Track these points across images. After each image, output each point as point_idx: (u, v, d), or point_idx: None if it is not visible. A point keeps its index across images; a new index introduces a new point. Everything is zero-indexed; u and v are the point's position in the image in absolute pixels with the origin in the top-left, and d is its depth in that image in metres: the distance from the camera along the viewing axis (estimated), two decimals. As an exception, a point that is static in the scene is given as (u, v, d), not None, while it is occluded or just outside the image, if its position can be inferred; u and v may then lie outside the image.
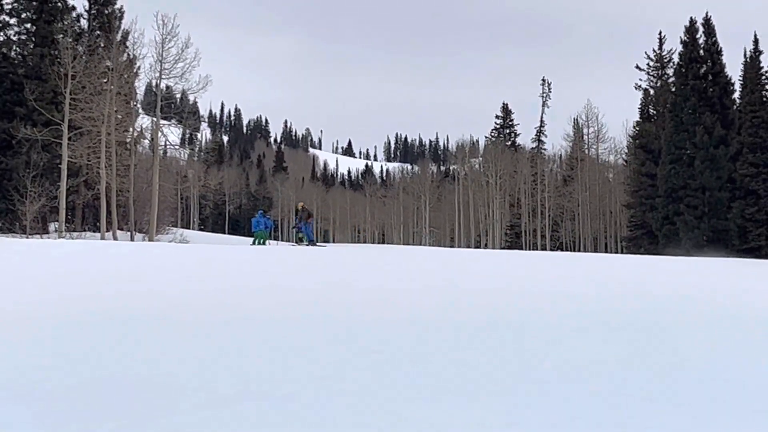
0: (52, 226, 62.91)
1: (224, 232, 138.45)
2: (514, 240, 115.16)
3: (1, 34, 70.60)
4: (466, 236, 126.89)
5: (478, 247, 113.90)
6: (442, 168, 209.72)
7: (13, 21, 70.47)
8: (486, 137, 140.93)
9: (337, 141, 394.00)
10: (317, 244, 38.05)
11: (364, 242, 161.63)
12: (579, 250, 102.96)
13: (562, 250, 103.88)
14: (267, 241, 50.53)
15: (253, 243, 47.80)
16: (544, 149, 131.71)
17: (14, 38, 70.86)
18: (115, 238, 56.48)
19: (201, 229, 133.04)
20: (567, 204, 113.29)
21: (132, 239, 58.83)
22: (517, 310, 12.57)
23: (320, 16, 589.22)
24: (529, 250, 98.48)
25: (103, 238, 55.82)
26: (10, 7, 70.31)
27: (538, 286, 17.84)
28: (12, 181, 60.51)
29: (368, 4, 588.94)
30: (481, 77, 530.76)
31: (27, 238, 50.87)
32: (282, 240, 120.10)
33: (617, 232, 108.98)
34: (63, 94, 57.82)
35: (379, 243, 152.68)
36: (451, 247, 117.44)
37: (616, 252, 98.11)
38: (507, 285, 17.80)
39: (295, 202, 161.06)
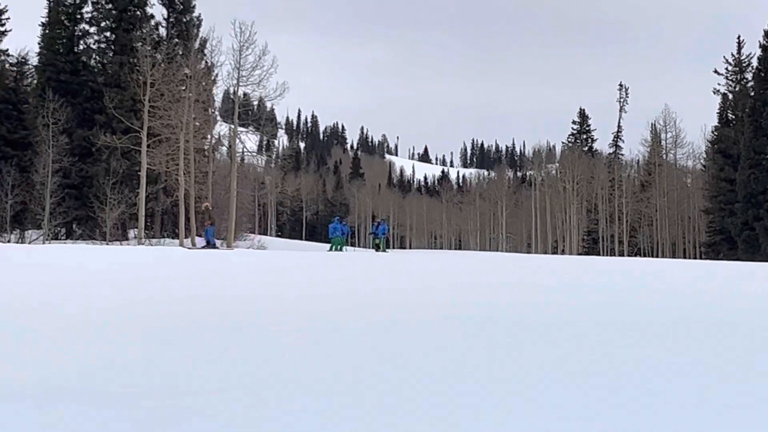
0: (131, 233, 63.64)
1: (301, 239, 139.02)
2: (591, 246, 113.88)
3: (81, 43, 71.83)
4: (543, 242, 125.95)
5: (555, 252, 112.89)
6: (519, 174, 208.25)
7: (92, 30, 71.78)
8: (563, 143, 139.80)
9: (413, 147, 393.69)
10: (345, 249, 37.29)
11: (441, 248, 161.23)
12: (657, 256, 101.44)
13: (639, 255, 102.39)
14: (344, 248, 50.49)
15: (330, 249, 47.83)
16: (622, 154, 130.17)
17: (94, 47, 72.16)
18: (193, 245, 56.89)
19: (278, 236, 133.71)
20: (645, 209, 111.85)
21: (209, 245, 59.16)
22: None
23: (397, 22, 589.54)
24: (607, 255, 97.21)
25: (181, 244, 56.18)
26: (89, 16, 71.51)
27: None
28: (92, 189, 61.42)
29: (448, 10, 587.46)
30: (558, 82, 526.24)
31: (107, 244, 51.55)
32: (358, 246, 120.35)
33: (696, 238, 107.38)
34: (142, 102, 58.51)
35: (455, 249, 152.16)
36: (528, 252, 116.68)
37: (695, 258, 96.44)
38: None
39: (372, 208, 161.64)
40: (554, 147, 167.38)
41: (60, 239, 63.53)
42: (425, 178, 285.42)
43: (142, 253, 27.73)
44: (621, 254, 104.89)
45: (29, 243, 56.46)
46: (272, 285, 17.37)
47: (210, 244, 35.76)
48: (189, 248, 33.93)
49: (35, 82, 71.45)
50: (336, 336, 9.59)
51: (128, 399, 6.21)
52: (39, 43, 73.12)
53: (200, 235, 37.01)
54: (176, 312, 11.73)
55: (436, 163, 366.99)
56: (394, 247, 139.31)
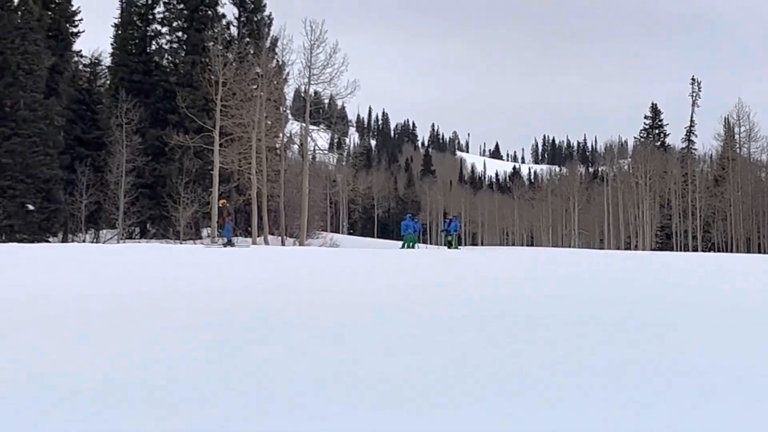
0: (204, 232, 63.82)
1: (373, 236, 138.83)
2: (664, 241, 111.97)
3: (154, 43, 72.33)
4: (615, 238, 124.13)
5: (627, 248, 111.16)
6: (591, 169, 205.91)
7: (164, 30, 72.31)
8: (635, 138, 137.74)
9: (484, 144, 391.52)
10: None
11: (512, 245, 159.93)
12: (731, 251, 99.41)
13: (714, 251, 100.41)
14: (416, 245, 49.95)
15: (403, 246, 47.28)
16: (695, 149, 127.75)
17: (166, 47, 72.66)
18: (266, 243, 56.81)
19: (350, 233, 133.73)
20: (718, 204, 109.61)
21: (283, 244, 59.12)
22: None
23: (468, 18, 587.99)
24: (680, 251, 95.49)
25: (254, 243, 56.15)
26: (161, 16, 71.96)
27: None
28: (165, 188, 61.70)
29: (519, 5, 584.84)
30: (629, 77, 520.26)
31: (180, 243, 51.67)
32: (430, 243, 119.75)
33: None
34: (214, 101, 58.50)
35: (527, 245, 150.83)
36: (601, 248, 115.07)
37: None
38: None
39: (443, 205, 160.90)
40: (626, 142, 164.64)
41: (134, 238, 63.98)
42: (496, 174, 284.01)
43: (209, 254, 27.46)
44: (695, 249, 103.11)
45: (104, 242, 56.85)
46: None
47: (229, 242, 35.10)
48: (206, 246, 33.51)
49: (108, 82, 72.08)
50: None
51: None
52: (112, 44, 73.96)
53: (219, 231, 36.61)
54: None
55: (508, 160, 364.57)
56: (465, 244, 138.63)
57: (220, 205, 36.13)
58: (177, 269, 20.82)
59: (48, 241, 52.79)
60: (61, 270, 19.76)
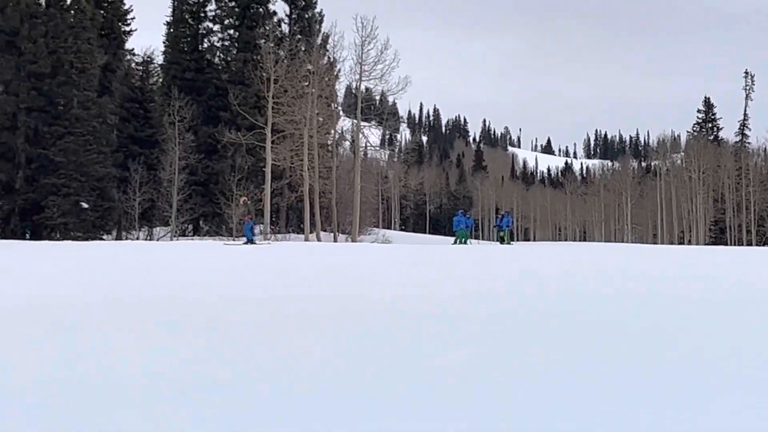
0: (257, 229, 63.76)
1: (425, 232, 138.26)
2: (718, 235, 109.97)
3: (205, 41, 72.37)
4: (668, 232, 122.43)
5: (681, 243, 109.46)
6: (643, 164, 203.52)
7: (216, 28, 72.39)
8: (687, 132, 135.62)
9: (536, 139, 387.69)
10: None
11: (565, 240, 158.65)
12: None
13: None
14: (468, 240, 49.47)
15: (455, 242, 46.82)
16: (748, 143, 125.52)
17: (218, 44, 72.75)
18: (318, 240, 56.61)
19: (402, 230, 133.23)
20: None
21: (335, 240, 58.85)
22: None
23: (519, 14, 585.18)
24: (734, 245, 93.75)
25: (307, 239, 56.02)
26: (213, 14, 71.99)
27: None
28: (218, 185, 61.74)
29: (571, 2, 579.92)
30: (680, 70, 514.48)
31: (233, 240, 51.53)
32: (482, 239, 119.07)
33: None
34: (266, 98, 58.48)
35: (580, 240, 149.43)
36: (654, 243, 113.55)
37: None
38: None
39: (495, 201, 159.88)
40: (679, 136, 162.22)
41: (187, 236, 64.03)
42: (548, 169, 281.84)
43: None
44: (749, 244, 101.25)
45: (157, 240, 56.96)
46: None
47: (249, 241, 34.47)
48: (226, 244, 32.84)
49: (161, 80, 72.29)
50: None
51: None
52: (164, 42, 74.21)
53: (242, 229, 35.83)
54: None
55: (559, 155, 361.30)
56: (517, 240, 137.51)
57: (241, 203, 35.49)
58: (226, 264, 20.59)
59: (102, 239, 52.99)
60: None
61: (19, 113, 50.51)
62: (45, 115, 51.13)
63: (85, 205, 51.79)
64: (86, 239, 47.95)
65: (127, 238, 58.53)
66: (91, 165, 52.17)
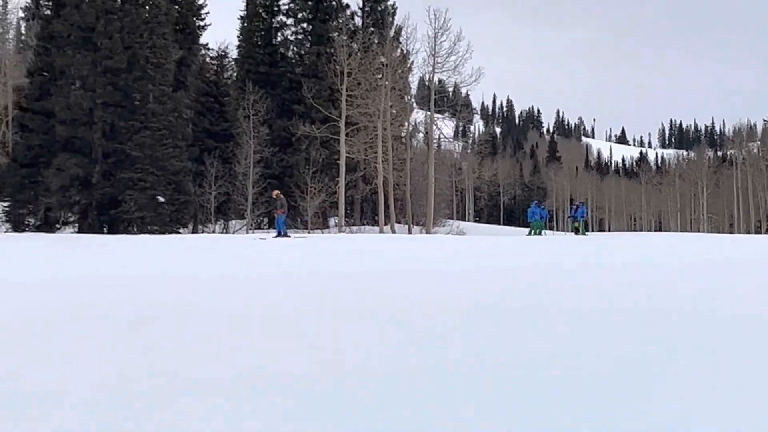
0: (332, 221, 63.63)
1: (499, 223, 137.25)
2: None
3: (279, 34, 72.32)
4: (745, 222, 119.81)
5: (758, 233, 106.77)
6: (719, 153, 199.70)
7: (289, 21, 72.35)
8: (764, 120, 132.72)
9: (610, 129, 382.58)
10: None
11: (640, 230, 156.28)
12: None
13: None
14: (543, 231, 48.76)
15: (530, 233, 46.29)
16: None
17: (291, 38, 72.70)
18: (393, 232, 56.13)
19: (476, 221, 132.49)
20: None
21: (409, 232, 58.42)
22: None
23: (591, 4, 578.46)
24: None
25: (381, 231, 55.66)
26: (286, 8, 71.93)
27: None
28: (293, 178, 61.67)
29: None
30: (757, 57, 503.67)
31: (308, 233, 51.33)
32: (557, 230, 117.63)
33: None
34: (339, 91, 58.33)
35: (655, 230, 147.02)
36: (730, 233, 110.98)
37: None
38: None
39: (569, 192, 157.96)
40: (755, 125, 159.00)
41: (262, 229, 63.92)
42: (623, 159, 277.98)
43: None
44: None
45: (233, 233, 56.86)
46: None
47: (281, 234, 33.19)
48: (261, 238, 31.59)
49: (235, 74, 72.27)
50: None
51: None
52: (238, 36, 74.11)
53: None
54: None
55: (634, 145, 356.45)
56: (592, 230, 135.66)
57: (273, 196, 34.28)
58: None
59: (178, 232, 52.90)
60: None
61: (96, 108, 50.52)
62: (121, 110, 51.08)
63: (161, 199, 51.74)
64: (163, 233, 47.94)
65: (203, 232, 58.66)
66: (167, 159, 52.06)
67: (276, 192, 35.26)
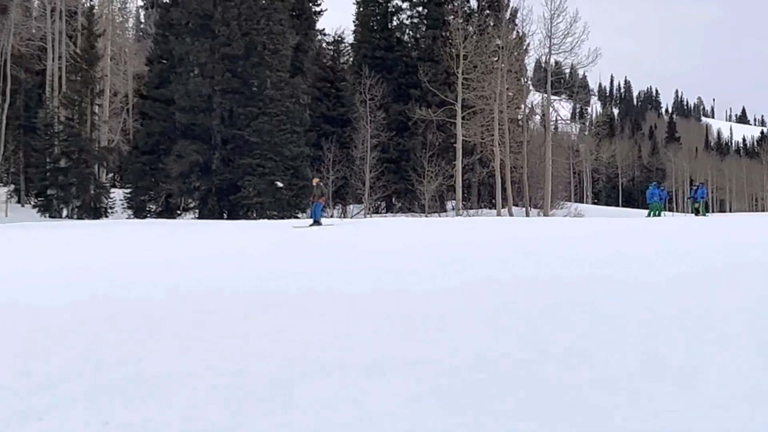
0: (449, 205, 62.72)
1: (617, 205, 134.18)
2: None
3: (395, 19, 71.51)
4: None
5: None
6: None
7: (405, 5, 71.64)
8: None
9: (730, 109, 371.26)
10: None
11: (762, 211, 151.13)
12: None
13: None
14: (662, 213, 47.01)
15: (649, 215, 44.72)
16: None
17: (407, 22, 71.88)
18: (510, 214, 54.91)
19: (594, 203, 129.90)
20: None
21: (527, 215, 57.12)
22: None
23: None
24: None
25: (499, 214, 54.55)
26: (402, -9, 71.00)
27: None
28: (410, 162, 60.93)
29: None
30: None
31: (426, 217, 50.53)
32: (676, 211, 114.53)
33: None
34: (455, 75, 57.71)
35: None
36: None
37: None
38: None
39: (689, 173, 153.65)
40: None
41: (380, 213, 63.30)
42: (743, 139, 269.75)
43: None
44: None
45: (351, 217, 56.25)
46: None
47: (316, 222, 31.08)
48: (296, 228, 29.78)
49: (351, 59, 71.68)
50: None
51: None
52: (354, 22, 73.26)
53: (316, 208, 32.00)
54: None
55: (755, 124, 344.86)
56: (713, 211, 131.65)
57: (314, 183, 32.52)
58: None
59: (297, 217, 52.42)
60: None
61: (215, 95, 50.41)
62: (239, 96, 50.85)
63: (279, 184, 51.36)
64: (281, 218, 47.54)
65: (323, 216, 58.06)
66: (285, 144, 51.64)
67: (316, 180, 33.79)
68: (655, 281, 11.43)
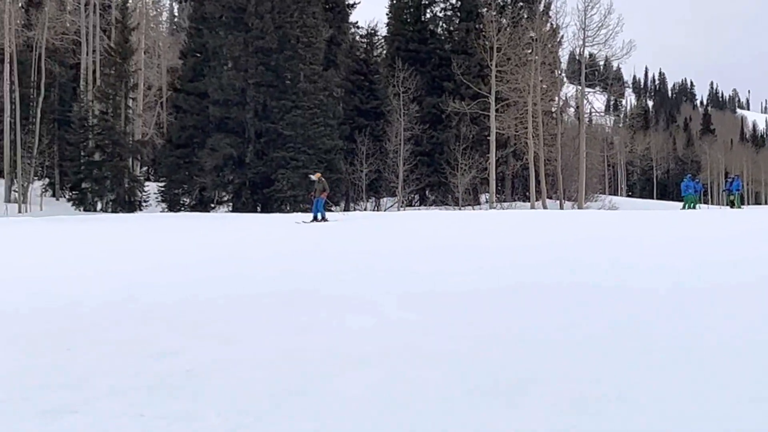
0: (482, 198, 62.43)
1: (652, 198, 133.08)
2: None
3: (428, 11, 71.27)
4: None
5: None
6: None
7: (438, -2, 70.82)
8: None
9: (766, 100, 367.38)
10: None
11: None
12: None
13: None
14: (697, 205, 46.57)
15: (683, 207, 44.45)
16: None
17: (440, 15, 71.73)
18: (544, 207, 54.50)
19: (629, 196, 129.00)
20: None
21: (561, 207, 56.66)
22: None
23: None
24: None
25: (532, 207, 54.19)
26: (435, -16, 70.71)
27: None
28: (443, 155, 60.67)
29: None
30: None
31: (459, 210, 50.28)
32: (711, 204, 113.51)
33: None
34: (489, 67, 57.29)
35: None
36: None
37: None
38: None
39: (724, 165, 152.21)
40: None
41: (413, 206, 63.02)
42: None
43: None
44: None
45: (384, 210, 56.06)
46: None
47: (315, 218, 30.11)
48: (297, 222, 29.20)
49: (384, 52, 71.33)
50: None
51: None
52: (387, 14, 73.00)
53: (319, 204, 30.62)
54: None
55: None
56: (748, 204, 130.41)
57: (315, 178, 31.72)
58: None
59: (330, 210, 52.28)
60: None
61: (248, 88, 50.28)
62: (273, 89, 50.68)
63: (313, 178, 51.16)
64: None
65: (354, 209, 58.01)
66: (319, 138, 51.49)
67: (318, 174, 33.08)
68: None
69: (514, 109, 58.69)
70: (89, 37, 61.46)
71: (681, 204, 48.93)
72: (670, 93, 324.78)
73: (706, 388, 5.85)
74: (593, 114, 75.73)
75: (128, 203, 53.51)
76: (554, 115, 65.76)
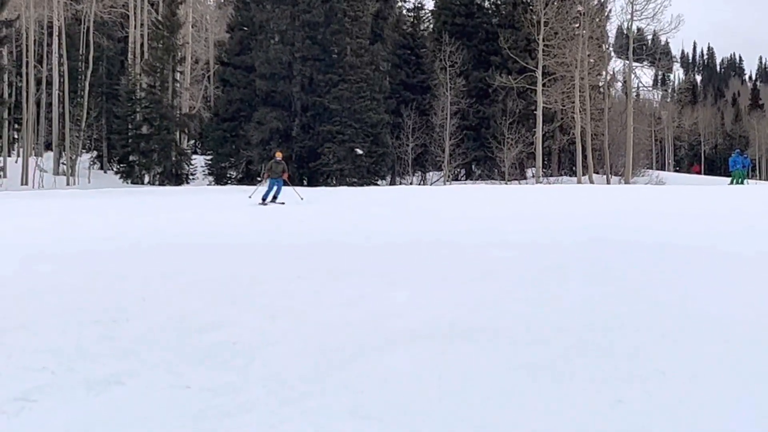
0: (529, 172, 61.97)
1: (700, 173, 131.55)
2: None
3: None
4: None
5: None
6: None
7: (486, -29, 70.02)
8: None
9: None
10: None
11: None
12: None
13: None
14: (745, 181, 45.85)
15: (731, 183, 43.78)
16: None
17: (490, -12, 70.44)
18: (591, 182, 53.96)
19: (676, 171, 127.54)
20: None
21: (608, 182, 56.11)
22: None
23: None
24: None
25: (579, 182, 53.66)
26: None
27: None
28: (490, 129, 60.09)
29: None
30: None
31: (506, 184, 49.98)
32: (760, 179, 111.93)
33: None
34: (536, 41, 56.48)
35: None
36: None
37: None
38: None
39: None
40: None
41: (460, 180, 62.65)
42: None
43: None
44: None
45: (431, 185, 55.75)
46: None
47: (265, 198, 27.04)
48: (251, 198, 26.96)
49: (431, 26, 70.54)
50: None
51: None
52: (434, -12, 72.05)
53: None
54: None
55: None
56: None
57: (276, 157, 28.66)
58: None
59: (377, 184, 52.15)
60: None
61: (295, 62, 50.09)
62: (319, 63, 50.47)
63: (359, 152, 51.04)
64: (361, 185, 47.26)
65: (401, 183, 57.82)
66: (365, 112, 51.22)
67: (279, 153, 29.89)
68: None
69: (561, 83, 57.68)
70: (137, 11, 61.58)
71: (729, 179, 48.13)
72: (718, 68, 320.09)
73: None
74: (641, 89, 75.19)
75: (175, 176, 53.71)
76: (601, 89, 64.96)
